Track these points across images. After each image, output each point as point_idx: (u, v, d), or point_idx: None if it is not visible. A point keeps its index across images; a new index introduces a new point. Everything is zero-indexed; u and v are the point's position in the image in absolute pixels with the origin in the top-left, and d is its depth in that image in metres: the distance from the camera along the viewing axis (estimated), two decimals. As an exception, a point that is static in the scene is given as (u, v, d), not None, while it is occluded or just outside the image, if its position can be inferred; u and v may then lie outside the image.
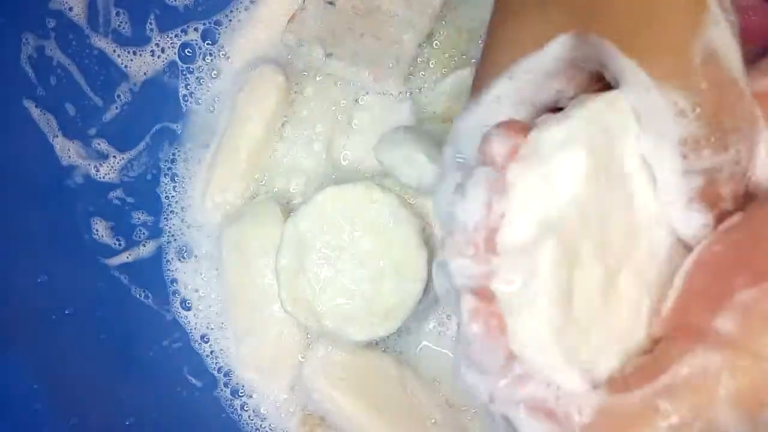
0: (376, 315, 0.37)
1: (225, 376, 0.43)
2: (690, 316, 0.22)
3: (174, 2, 0.43)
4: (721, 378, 0.20)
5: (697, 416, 0.21)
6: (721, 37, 0.22)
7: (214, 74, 0.45)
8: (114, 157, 0.43)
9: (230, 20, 0.45)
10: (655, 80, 0.22)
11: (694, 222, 0.23)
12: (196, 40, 0.44)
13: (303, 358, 0.41)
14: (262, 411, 0.42)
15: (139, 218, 0.44)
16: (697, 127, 0.22)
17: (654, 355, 0.23)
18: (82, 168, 0.42)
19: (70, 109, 0.41)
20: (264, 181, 0.44)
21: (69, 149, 0.41)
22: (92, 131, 0.42)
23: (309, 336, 0.41)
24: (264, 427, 0.42)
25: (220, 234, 0.43)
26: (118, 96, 0.43)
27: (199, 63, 0.45)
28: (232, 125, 0.43)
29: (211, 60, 0.45)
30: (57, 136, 0.41)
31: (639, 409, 0.21)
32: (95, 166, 0.42)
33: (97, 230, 0.42)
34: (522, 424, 0.22)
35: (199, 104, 0.45)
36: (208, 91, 0.45)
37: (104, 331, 0.40)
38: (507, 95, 0.26)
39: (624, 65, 0.23)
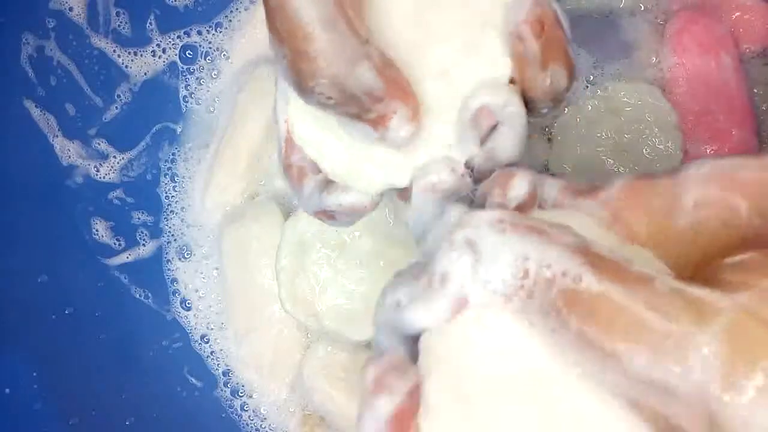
0: (376, 315, 0.37)
1: (225, 376, 0.43)
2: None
3: (174, 3, 0.43)
4: None
5: None
6: None
7: (214, 74, 0.45)
8: (114, 157, 0.43)
9: (230, 20, 0.45)
10: None
11: None
12: (196, 41, 0.44)
13: (303, 358, 0.41)
14: (262, 411, 0.42)
15: (139, 218, 0.44)
16: None
17: None
18: (82, 168, 0.42)
19: (70, 109, 0.41)
20: (264, 181, 0.44)
21: (69, 149, 0.41)
22: (92, 131, 0.42)
23: (309, 336, 0.41)
24: (264, 427, 0.42)
25: (220, 234, 0.43)
26: (118, 96, 0.43)
27: (200, 63, 0.45)
28: (232, 125, 0.43)
29: (211, 60, 0.45)
30: (57, 136, 0.41)
31: None
32: (95, 166, 0.42)
33: (97, 230, 0.42)
34: None
35: (199, 104, 0.45)
36: (208, 91, 0.45)
37: (104, 331, 0.40)
38: None
39: None
